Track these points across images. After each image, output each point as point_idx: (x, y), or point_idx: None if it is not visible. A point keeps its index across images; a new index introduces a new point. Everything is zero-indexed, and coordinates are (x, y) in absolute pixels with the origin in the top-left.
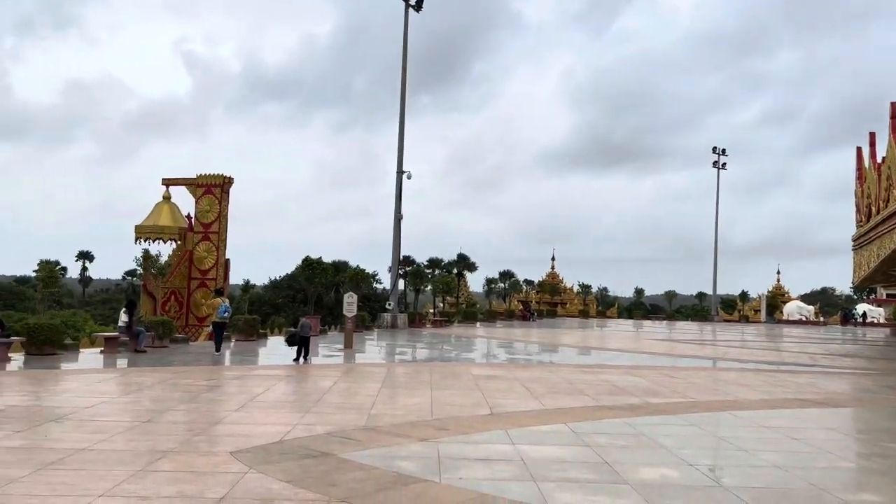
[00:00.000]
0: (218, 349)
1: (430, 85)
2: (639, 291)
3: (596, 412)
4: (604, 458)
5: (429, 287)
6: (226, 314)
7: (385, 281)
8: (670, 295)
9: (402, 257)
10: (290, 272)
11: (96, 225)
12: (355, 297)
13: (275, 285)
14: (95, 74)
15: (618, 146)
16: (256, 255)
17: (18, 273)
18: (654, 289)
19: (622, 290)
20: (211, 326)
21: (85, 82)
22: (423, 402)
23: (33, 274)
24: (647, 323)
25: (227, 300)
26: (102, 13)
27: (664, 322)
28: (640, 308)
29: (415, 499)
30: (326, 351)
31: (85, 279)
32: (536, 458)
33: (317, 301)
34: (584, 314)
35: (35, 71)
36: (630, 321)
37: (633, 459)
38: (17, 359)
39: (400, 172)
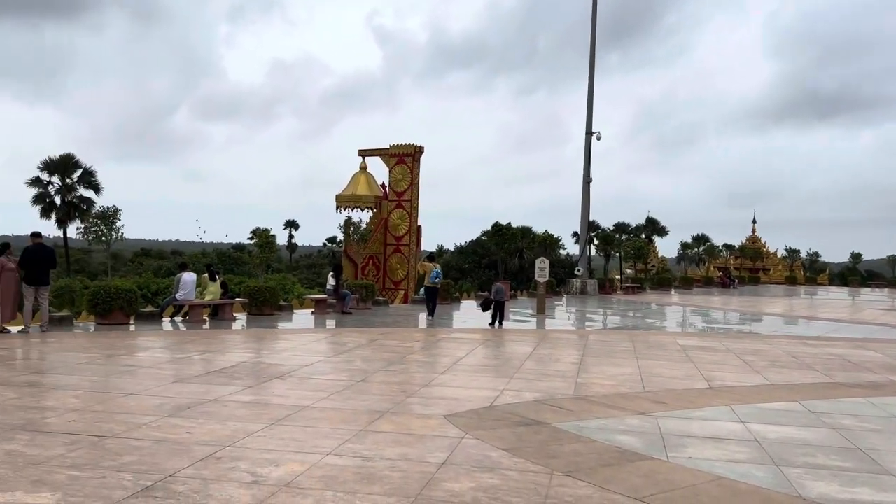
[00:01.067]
0: (431, 313)
1: (618, 42)
2: (855, 256)
3: (831, 390)
4: (854, 442)
5: (619, 252)
6: (437, 279)
7: (569, 246)
8: (893, 260)
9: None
10: (475, 237)
11: (300, 195)
12: (547, 262)
13: (460, 251)
14: (296, 54)
15: (829, 97)
16: (443, 221)
17: (234, 240)
18: (872, 253)
19: (834, 255)
20: (423, 291)
21: (286, 62)
22: (631, 371)
23: (247, 241)
24: (865, 291)
25: (438, 265)
26: None
27: (885, 290)
28: (855, 275)
29: (644, 477)
30: (518, 316)
31: (291, 246)
32: (773, 440)
33: (499, 265)
34: (790, 281)
35: (245, 54)
36: (845, 289)
37: (891, 447)
38: (240, 318)
39: (589, 133)
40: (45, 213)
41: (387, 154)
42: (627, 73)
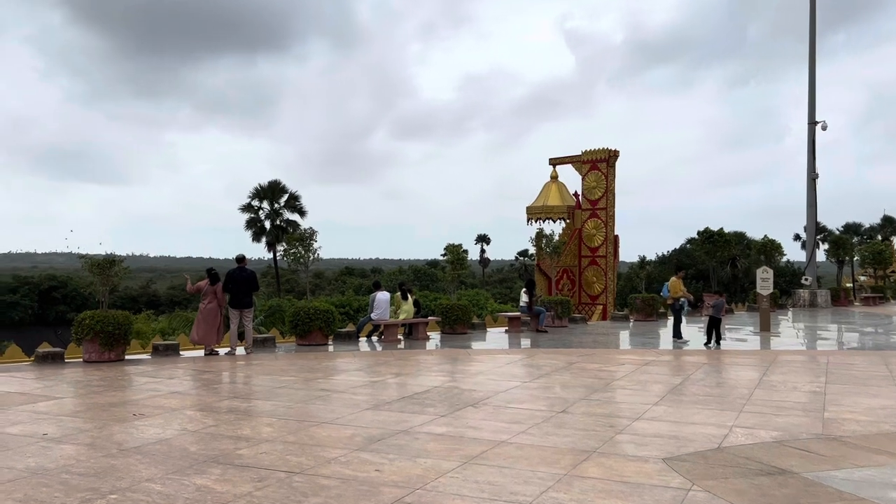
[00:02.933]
0: (678, 335)
1: (842, 20)
2: None
3: None
4: None
5: (853, 257)
6: (682, 300)
7: (790, 252)
8: None
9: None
10: (678, 245)
11: (491, 209)
12: (771, 272)
13: (662, 261)
14: (486, 66)
15: None
16: (642, 229)
17: (429, 256)
18: None
19: None
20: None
21: (477, 75)
22: (892, 404)
23: (441, 257)
24: None
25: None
26: (492, 5)
27: None
28: None
29: None
30: (738, 334)
31: (484, 260)
32: None
33: (711, 276)
34: None
35: (436, 71)
36: None
37: None
38: (434, 337)
39: (812, 124)
40: (256, 237)
41: (579, 161)
42: (855, 53)
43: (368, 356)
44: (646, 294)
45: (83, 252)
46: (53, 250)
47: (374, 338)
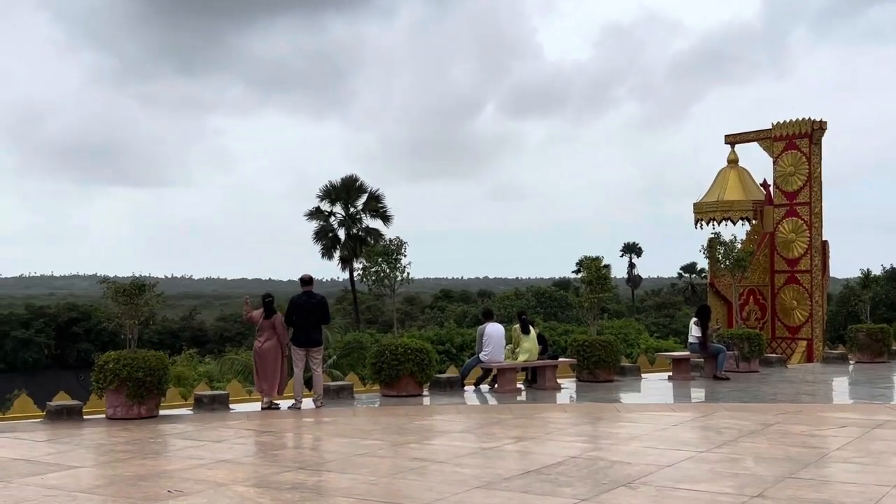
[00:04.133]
0: None
1: None
2: None
3: None
4: None
5: None
6: None
7: None
8: None
9: None
10: None
11: (642, 208)
12: None
13: (894, 276)
14: (635, 13)
15: None
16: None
17: (557, 274)
18: None
19: None
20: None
21: (623, 25)
22: None
23: (573, 275)
24: None
25: None
26: None
27: None
28: None
29: None
30: None
31: (633, 279)
32: None
33: None
34: None
35: (566, 22)
36: None
37: None
38: (567, 385)
39: None
40: (326, 252)
41: (768, 138)
42: None
43: (477, 412)
44: (872, 325)
45: (110, 274)
46: (75, 272)
47: (485, 386)
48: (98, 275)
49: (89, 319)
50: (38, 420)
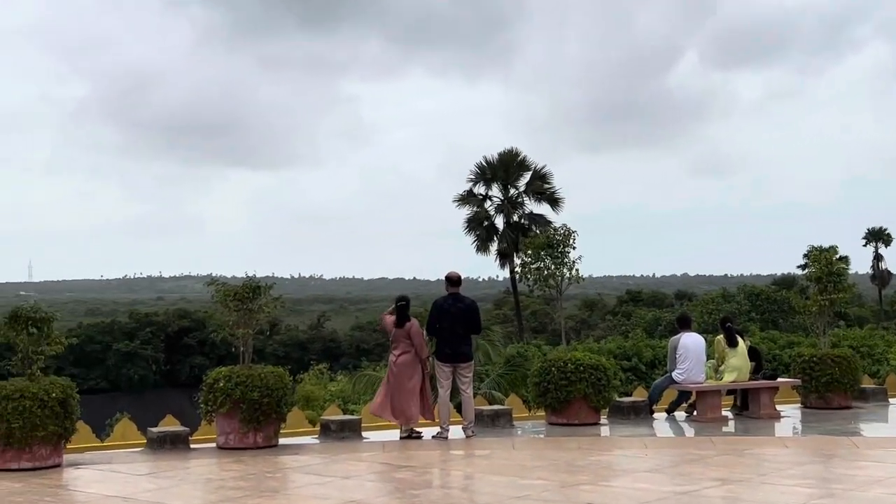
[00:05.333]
0: None
1: None
2: None
3: None
4: None
5: None
6: None
7: None
8: None
9: None
10: None
11: (893, 185)
12: None
13: None
14: None
15: None
16: None
17: (776, 270)
18: None
19: None
20: None
21: None
22: None
23: (799, 270)
24: None
25: None
26: None
27: None
28: None
29: None
30: None
31: (881, 275)
32: None
33: None
34: None
35: None
36: None
37: None
38: (788, 413)
39: None
40: (481, 245)
41: None
42: None
43: (670, 445)
44: None
45: (227, 274)
46: (186, 272)
47: (680, 413)
48: (213, 275)
49: (203, 329)
50: (140, 449)
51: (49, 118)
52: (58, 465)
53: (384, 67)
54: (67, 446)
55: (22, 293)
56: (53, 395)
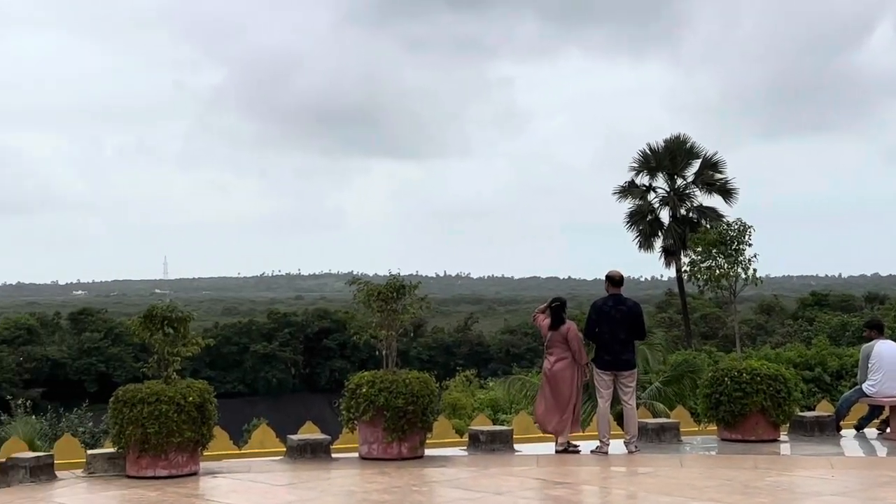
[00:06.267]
0: None
1: None
2: None
3: None
4: None
5: None
6: None
7: None
8: None
9: None
10: None
11: None
12: None
13: None
14: None
15: None
16: None
17: None
18: None
19: None
20: None
21: None
22: None
23: None
24: None
25: None
26: None
27: None
28: None
29: None
30: None
31: None
32: None
33: None
34: None
35: None
36: None
37: None
38: None
39: None
40: (644, 241)
41: None
42: None
43: (859, 466)
44: None
45: (369, 272)
46: (327, 269)
47: (871, 430)
48: (354, 273)
49: (344, 330)
50: (279, 458)
51: (183, 108)
52: (194, 474)
53: (539, 48)
54: (204, 453)
55: (157, 291)
56: (190, 399)
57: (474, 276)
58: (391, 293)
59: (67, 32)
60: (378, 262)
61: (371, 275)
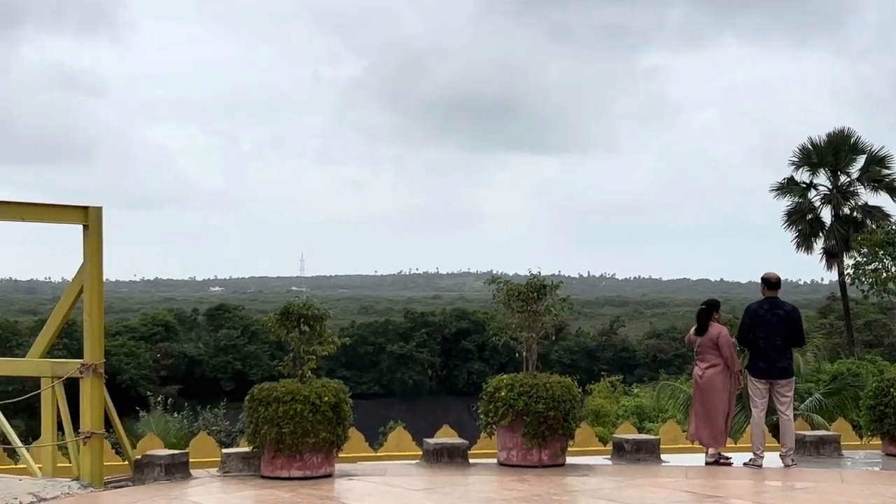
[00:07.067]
0: None
1: None
2: None
3: None
4: None
5: None
6: None
7: None
8: None
9: None
10: None
11: None
12: None
13: None
14: None
15: None
16: None
17: None
18: None
19: None
20: None
21: None
22: None
23: None
24: None
25: None
26: None
27: None
28: None
29: None
30: None
31: None
32: None
33: None
34: None
35: None
36: None
37: None
38: None
39: None
40: (803, 242)
41: None
42: None
43: None
44: None
45: (509, 272)
46: (465, 268)
47: None
48: (493, 272)
49: (483, 331)
50: (415, 461)
51: (320, 101)
52: (329, 475)
53: (691, 36)
54: (339, 455)
55: (293, 288)
56: (326, 399)
57: (619, 276)
58: (532, 293)
59: (205, 25)
60: (517, 262)
61: (510, 274)
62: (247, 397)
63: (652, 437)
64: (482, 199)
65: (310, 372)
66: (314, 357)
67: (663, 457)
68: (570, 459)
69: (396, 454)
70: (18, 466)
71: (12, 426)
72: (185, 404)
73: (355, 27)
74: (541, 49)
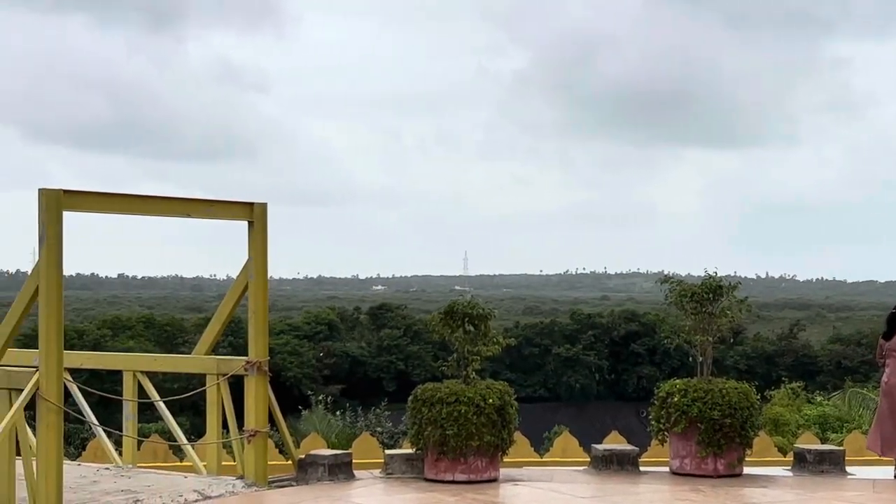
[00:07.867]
0: None
1: None
2: None
3: None
4: None
5: None
6: None
7: None
8: None
9: None
10: None
11: None
12: None
13: None
14: None
15: None
16: None
17: None
18: None
19: None
20: None
21: None
22: None
23: None
24: None
25: None
26: None
27: None
28: None
29: None
30: None
31: None
32: None
33: None
34: None
35: None
36: None
37: None
38: None
39: None
40: None
41: None
42: None
43: None
44: None
45: (681, 272)
46: (635, 268)
47: None
48: (664, 272)
49: (654, 334)
50: (582, 468)
51: (484, 95)
52: (494, 480)
53: (881, 22)
54: (504, 459)
55: (457, 287)
56: (490, 401)
57: (800, 278)
58: (706, 294)
59: (371, 19)
60: (691, 261)
61: (683, 274)
62: (410, 398)
63: (837, 447)
64: (653, 196)
65: (474, 373)
66: (479, 358)
67: (849, 469)
68: (747, 469)
69: (562, 460)
70: (184, 464)
71: (178, 423)
72: (347, 404)
73: (520, 18)
74: (716, 37)
